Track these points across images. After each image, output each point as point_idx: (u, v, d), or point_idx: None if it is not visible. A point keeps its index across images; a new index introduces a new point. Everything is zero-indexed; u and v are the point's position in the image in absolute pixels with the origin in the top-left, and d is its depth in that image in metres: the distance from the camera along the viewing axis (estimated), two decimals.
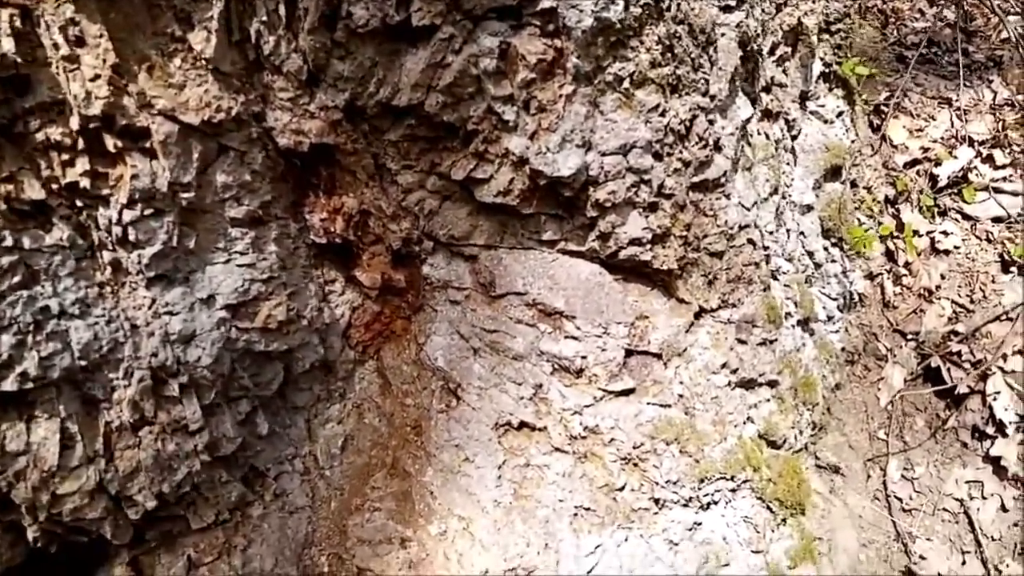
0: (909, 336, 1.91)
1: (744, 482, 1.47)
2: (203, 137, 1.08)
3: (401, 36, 1.13)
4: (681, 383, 1.44)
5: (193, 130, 1.06)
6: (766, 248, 1.54)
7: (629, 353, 1.40)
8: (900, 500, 1.77)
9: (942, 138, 2.06)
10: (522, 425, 1.38)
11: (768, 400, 1.57)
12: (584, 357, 1.37)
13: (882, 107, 2.09)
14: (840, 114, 1.79)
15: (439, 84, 1.16)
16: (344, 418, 1.45)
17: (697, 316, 1.49)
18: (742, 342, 1.52)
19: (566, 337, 1.38)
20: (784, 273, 1.66)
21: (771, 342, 1.56)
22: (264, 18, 1.07)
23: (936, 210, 1.98)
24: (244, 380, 1.24)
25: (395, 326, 1.47)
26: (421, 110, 1.18)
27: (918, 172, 2.03)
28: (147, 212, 1.05)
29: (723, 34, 1.44)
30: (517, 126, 1.22)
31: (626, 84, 1.26)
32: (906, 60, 2.18)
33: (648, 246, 1.37)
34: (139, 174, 1.03)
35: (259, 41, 1.09)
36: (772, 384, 1.58)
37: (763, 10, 1.57)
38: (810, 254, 1.74)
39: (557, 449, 1.37)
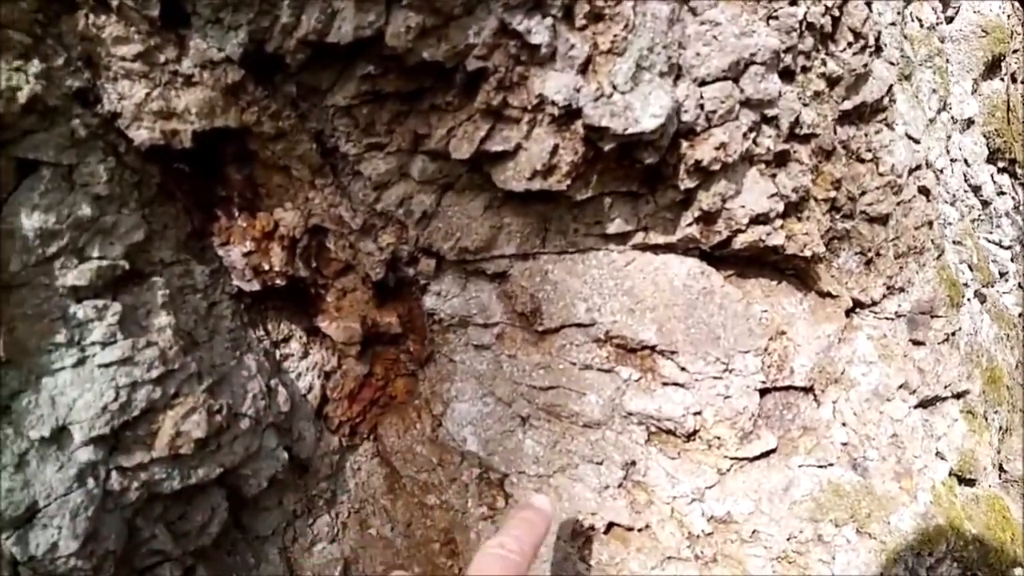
0: None
1: (946, 552, 0.98)
2: None
3: None
4: (844, 425, 0.93)
5: None
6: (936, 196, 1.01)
7: (763, 392, 0.90)
8: None
9: None
10: (611, 527, 0.89)
11: (957, 420, 1.06)
12: (698, 413, 0.86)
13: None
14: None
15: None
16: (338, 534, 0.95)
17: (849, 313, 0.98)
18: (918, 343, 1.00)
19: (665, 384, 0.87)
20: (950, 224, 1.13)
21: (954, 335, 1.05)
22: None
23: None
24: (158, 540, 0.75)
25: (394, 389, 0.96)
26: (381, 47, 0.65)
27: None
28: None
29: None
30: (555, 53, 0.69)
31: None
32: None
33: (778, 222, 0.85)
34: None
35: None
36: (961, 395, 1.07)
37: None
38: (975, 189, 1.21)
39: (671, 558, 0.88)
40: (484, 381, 0.90)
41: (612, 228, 0.85)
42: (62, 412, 0.65)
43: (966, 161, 1.17)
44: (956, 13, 1.13)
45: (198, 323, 0.76)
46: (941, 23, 1.11)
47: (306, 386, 0.90)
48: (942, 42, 1.12)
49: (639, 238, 0.86)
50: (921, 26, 1.03)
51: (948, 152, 1.10)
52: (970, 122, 1.19)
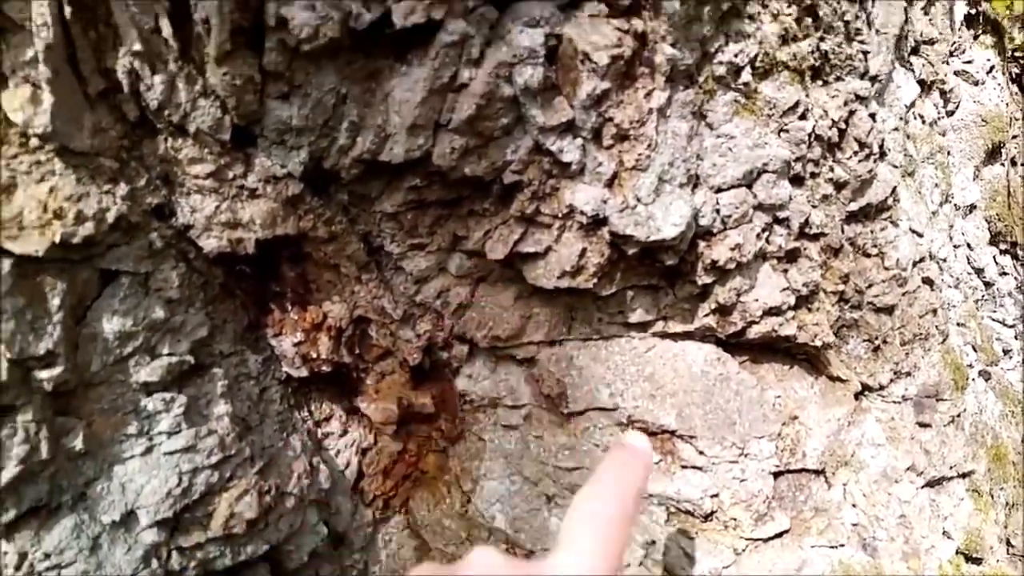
0: None
1: None
2: (64, 269, 0.62)
3: (379, 48, 0.67)
4: (854, 506, 0.97)
5: (40, 263, 0.60)
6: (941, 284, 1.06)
7: (777, 475, 0.94)
8: None
9: None
10: None
11: (963, 499, 1.10)
12: (715, 495, 0.91)
13: (1017, 51, 1.59)
14: (991, 70, 1.30)
15: (453, 120, 0.69)
16: None
17: (858, 396, 1.02)
18: (925, 425, 1.05)
19: (684, 467, 0.91)
20: (954, 307, 1.18)
21: (959, 416, 1.09)
22: (137, 47, 0.60)
23: None
24: None
25: (425, 464, 1.01)
26: (428, 164, 0.72)
27: None
28: None
29: None
30: (584, 169, 0.75)
31: (745, 76, 0.79)
32: None
33: (790, 314, 0.91)
34: None
35: (137, 87, 0.62)
36: (966, 475, 1.11)
37: None
38: (978, 271, 1.27)
39: None
40: (512, 460, 0.95)
41: (634, 317, 0.90)
42: (131, 497, 0.70)
43: (969, 245, 1.23)
44: (957, 107, 1.20)
45: (251, 408, 0.82)
46: (942, 116, 1.18)
47: (344, 462, 0.95)
48: (943, 135, 1.19)
49: (659, 326, 0.91)
50: (923, 123, 1.09)
51: (951, 239, 1.15)
52: (972, 207, 1.25)
